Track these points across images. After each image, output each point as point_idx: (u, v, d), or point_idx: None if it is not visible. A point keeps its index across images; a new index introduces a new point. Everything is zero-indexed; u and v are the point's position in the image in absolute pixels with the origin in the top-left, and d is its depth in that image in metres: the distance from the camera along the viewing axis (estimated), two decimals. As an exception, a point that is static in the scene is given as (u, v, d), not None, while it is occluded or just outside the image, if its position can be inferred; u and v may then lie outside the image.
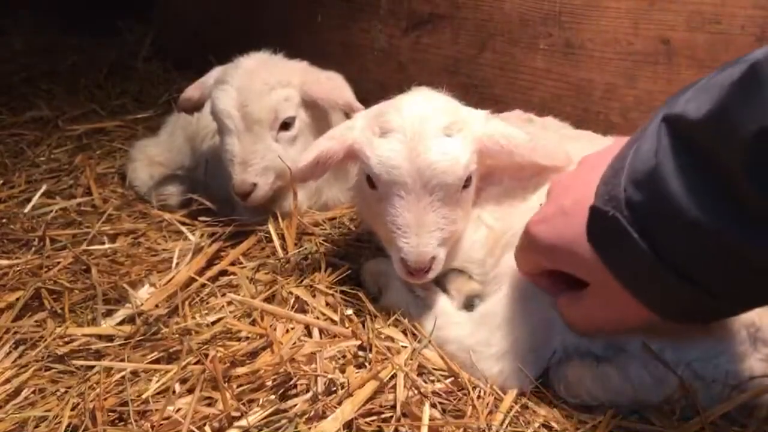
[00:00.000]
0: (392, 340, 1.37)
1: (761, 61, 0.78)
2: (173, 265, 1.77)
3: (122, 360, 1.37)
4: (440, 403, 1.20)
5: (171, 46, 4.08)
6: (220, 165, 1.96)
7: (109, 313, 1.57)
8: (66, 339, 1.48)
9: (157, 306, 1.57)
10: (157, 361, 1.37)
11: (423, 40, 2.47)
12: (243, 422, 1.14)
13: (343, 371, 1.26)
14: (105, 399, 1.25)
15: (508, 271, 1.32)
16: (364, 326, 1.40)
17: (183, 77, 3.52)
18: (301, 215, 1.92)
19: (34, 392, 1.35)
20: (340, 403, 1.17)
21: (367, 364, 1.29)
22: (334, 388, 1.21)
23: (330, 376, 1.21)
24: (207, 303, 1.59)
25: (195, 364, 1.31)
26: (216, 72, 2.03)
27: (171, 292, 1.62)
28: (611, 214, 0.93)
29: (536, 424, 1.15)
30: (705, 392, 1.12)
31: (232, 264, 1.79)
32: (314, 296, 1.53)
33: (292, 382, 1.24)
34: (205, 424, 1.15)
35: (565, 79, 2.04)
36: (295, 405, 1.18)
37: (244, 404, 1.19)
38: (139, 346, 1.43)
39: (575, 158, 1.38)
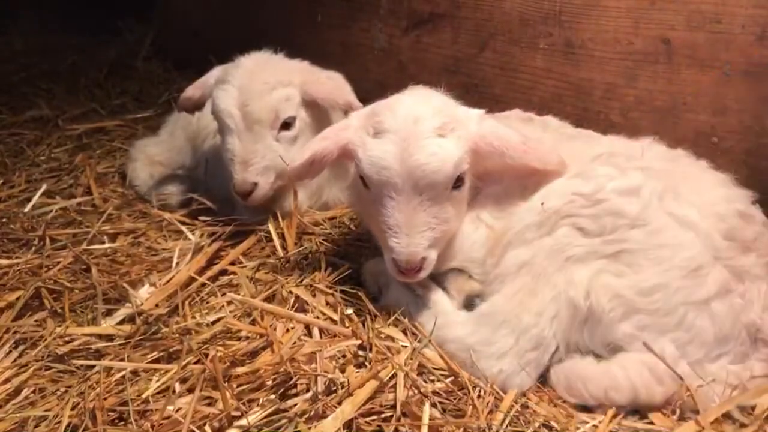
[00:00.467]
0: (392, 339, 1.36)
1: None
2: (173, 264, 1.76)
3: (122, 360, 1.37)
4: (440, 402, 1.20)
5: (171, 46, 4.08)
6: (221, 164, 1.96)
7: (109, 313, 1.57)
8: (66, 338, 1.48)
9: (157, 305, 1.57)
10: (157, 361, 1.37)
11: (423, 39, 2.47)
12: (243, 422, 1.14)
13: (343, 371, 1.26)
14: (105, 398, 1.25)
15: (508, 271, 1.32)
16: (364, 326, 1.40)
17: (183, 77, 3.52)
18: (301, 215, 1.92)
19: (34, 392, 1.34)
20: (340, 403, 1.17)
21: (367, 363, 1.29)
22: (334, 388, 1.21)
23: (330, 375, 1.21)
24: (207, 302, 1.59)
25: (195, 363, 1.31)
26: (217, 71, 2.03)
27: (171, 292, 1.62)
28: None
29: (536, 424, 1.15)
30: (705, 392, 1.12)
31: (232, 263, 1.79)
32: (314, 296, 1.53)
33: (292, 382, 1.24)
34: (205, 424, 1.15)
35: (565, 78, 2.04)
36: (295, 404, 1.18)
37: (244, 404, 1.19)
38: (139, 345, 1.42)
39: (575, 158, 1.39)
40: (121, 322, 1.53)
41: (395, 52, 2.59)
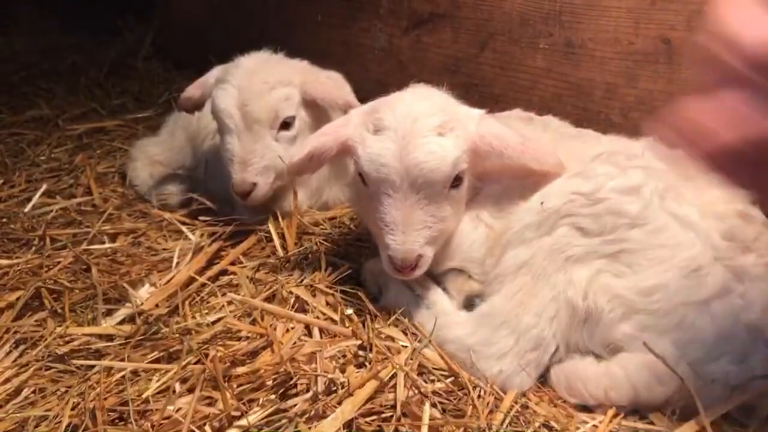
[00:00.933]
0: (392, 339, 1.36)
1: None
2: (173, 264, 1.77)
3: (122, 359, 1.37)
4: (440, 402, 1.20)
5: (171, 46, 4.08)
6: (221, 164, 1.96)
7: (109, 313, 1.57)
8: (66, 338, 1.48)
9: (157, 305, 1.57)
10: (157, 361, 1.37)
11: (423, 39, 2.47)
12: (243, 422, 1.14)
13: (343, 371, 1.26)
14: (105, 398, 1.25)
15: (508, 271, 1.32)
16: (364, 326, 1.40)
17: (183, 77, 3.52)
18: (301, 215, 1.92)
19: (34, 392, 1.35)
20: (340, 403, 1.17)
21: (367, 363, 1.29)
22: (334, 388, 1.21)
23: (330, 375, 1.21)
24: (207, 302, 1.59)
25: (195, 363, 1.31)
26: (216, 71, 2.03)
27: (171, 292, 1.62)
28: None
29: (536, 424, 1.15)
30: (705, 392, 1.12)
31: (233, 263, 1.79)
32: (314, 296, 1.53)
33: (292, 382, 1.24)
34: (205, 424, 1.15)
35: (566, 78, 2.04)
36: (296, 404, 1.18)
37: (244, 404, 1.19)
38: (140, 345, 1.42)
39: (575, 158, 1.39)
40: (122, 322, 1.53)
41: (395, 52, 2.59)
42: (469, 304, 1.42)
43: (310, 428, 1.13)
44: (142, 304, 1.57)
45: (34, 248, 1.90)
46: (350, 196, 1.71)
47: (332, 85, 1.96)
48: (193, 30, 3.88)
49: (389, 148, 1.33)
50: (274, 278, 1.64)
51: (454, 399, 1.21)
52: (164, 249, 1.90)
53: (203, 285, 1.66)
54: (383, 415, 1.18)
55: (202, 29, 3.80)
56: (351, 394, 1.19)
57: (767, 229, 1.29)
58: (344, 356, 1.31)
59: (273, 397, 1.21)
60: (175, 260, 1.78)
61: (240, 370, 1.27)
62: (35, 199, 2.19)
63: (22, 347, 1.48)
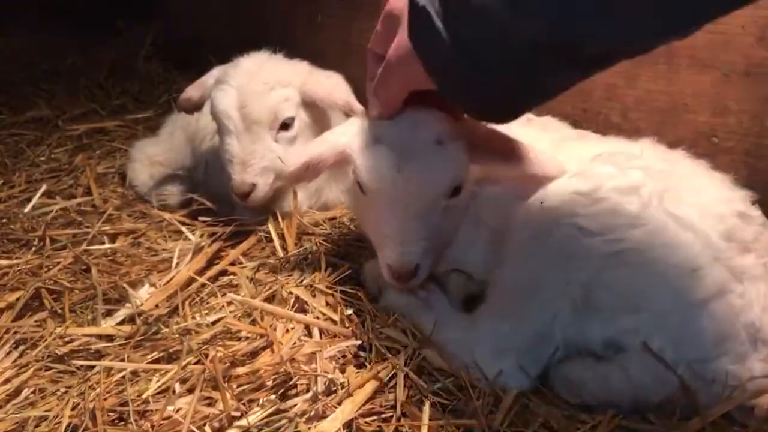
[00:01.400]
0: (392, 339, 1.36)
1: None
2: (173, 265, 1.77)
3: (122, 360, 1.37)
4: (440, 402, 1.20)
5: (171, 46, 4.08)
6: (220, 165, 1.96)
7: (109, 313, 1.57)
8: (66, 339, 1.48)
9: (157, 306, 1.57)
10: (157, 361, 1.37)
11: (423, 40, 2.47)
12: (243, 422, 1.14)
13: (343, 371, 1.26)
14: (105, 399, 1.25)
15: (507, 271, 1.32)
16: (364, 326, 1.40)
17: (183, 77, 3.52)
18: (301, 215, 1.92)
19: (34, 392, 1.35)
20: (340, 403, 1.17)
21: (367, 363, 1.29)
22: (334, 388, 1.21)
23: (330, 376, 1.21)
24: (207, 303, 1.59)
25: (195, 364, 1.31)
26: (216, 72, 2.03)
27: (171, 292, 1.62)
28: (421, 4, 1.01)
29: (536, 424, 1.15)
30: (705, 392, 1.12)
31: (232, 264, 1.79)
32: (314, 296, 1.53)
33: (292, 382, 1.24)
34: (205, 424, 1.15)
35: (565, 79, 2.04)
36: (295, 405, 1.18)
37: (244, 404, 1.19)
38: (139, 346, 1.43)
39: (575, 158, 1.39)
40: (121, 323, 1.54)
41: (395, 53, 2.58)
42: (468, 304, 1.42)
43: (309, 428, 1.13)
44: (141, 304, 1.57)
45: (33, 249, 1.90)
46: (349, 204, 1.71)
47: (332, 85, 1.96)
48: (193, 30, 3.88)
49: (387, 158, 1.32)
50: (274, 278, 1.64)
51: (454, 399, 1.21)
52: (164, 249, 1.90)
53: (203, 285, 1.67)
54: (383, 416, 1.18)
55: (202, 29, 3.80)
56: (351, 395, 1.19)
57: (766, 229, 1.29)
58: (344, 356, 1.31)
59: (273, 397, 1.21)
60: (174, 260, 1.78)
61: (240, 370, 1.28)
62: (35, 200, 2.19)
63: (21, 348, 1.48)
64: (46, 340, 1.48)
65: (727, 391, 1.12)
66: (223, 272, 1.76)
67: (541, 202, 1.31)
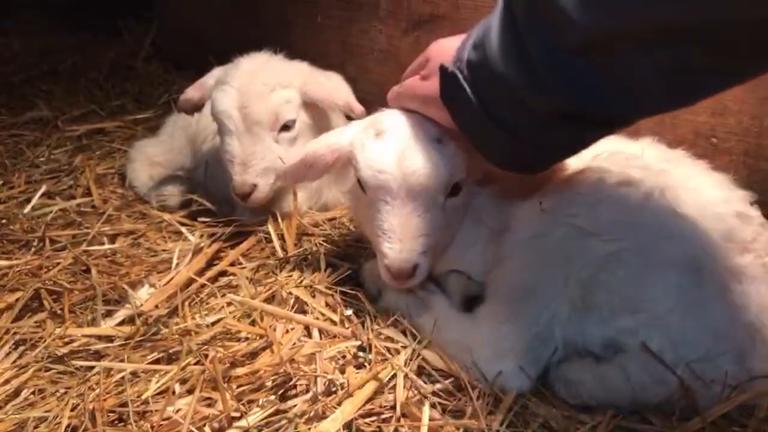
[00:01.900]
0: (392, 340, 1.37)
1: None
2: (173, 265, 1.77)
3: (122, 360, 1.37)
4: (440, 403, 1.20)
5: (171, 46, 4.08)
6: (220, 166, 1.96)
7: (108, 314, 1.57)
8: (66, 339, 1.48)
9: (156, 306, 1.57)
10: (156, 362, 1.37)
11: (423, 40, 2.47)
12: (243, 422, 1.15)
13: (342, 371, 1.26)
14: (105, 399, 1.26)
15: (507, 271, 1.32)
16: (363, 326, 1.40)
17: (183, 77, 3.52)
18: (300, 216, 1.92)
19: (33, 393, 1.35)
20: (339, 404, 1.17)
21: (366, 364, 1.29)
22: (334, 389, 1.21)
23: (330, 376, 1.21)
24: (207, 303, 1.59)
25: (195, 364, 1.31)
26: (216, 72, 2.03)
27: (171, 293, 1.62)
28: (450, 71, 1.13)
29: (536, 424, 1.15)
30: (705, 392, 1.12)
31: (232, 264, 1.79)
32: (314, 296, 1.53)
33: (292, 383, 1.24)
34: (205, 425, 1.15)
35: (565, 79, 2.04)
36: (295, 405, 1.18)
37: (244, 404, 1.19)
38: (139, 346, 1.43)
39: (574, 158, 1.38)
40: (121, 323, 1.54)
41: (395, 53, 2.59)
42: (468, 305, 1.42)
43: (309, 429, 1.13)
44: (141, 305, 1.57)
45: (33, 249, 1.90)
46: (349, 204, 1.71)
47: (332, 86, 1.96)
48: (193, 31, 3.88)
49: (388, 154, 1.32)
50: (274, 279, 1.64)
51: (454, 399, 1.21)
52: (164, 250, 1.90)
53: (203, 286, 1.67)
54: (383, 416, 1.18)
55: (202, 30, 3.80)
56: (351, 395, 1.19)
57: (765, 229, 1.29)
58: (344, 357, 1.31)
59: (273, 397, 1.21)
60: (174, 261, 1.78)
61: (239, 370, 1.28)
62: (35, 200, 2.19)
63: (21, 348, 1.48)
64: (45, 340, 1.48)
65: (726, 391, 1.12)
66: (223, 273, 1.76)
67: (541, 202, 1.31)
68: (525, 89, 1.03)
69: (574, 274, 1.22)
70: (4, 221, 2.08)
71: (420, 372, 1.27)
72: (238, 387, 1.24)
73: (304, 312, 1.47)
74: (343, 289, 1.55)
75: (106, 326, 1.52)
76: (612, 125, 1.09)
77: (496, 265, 1.37)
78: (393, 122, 1.36)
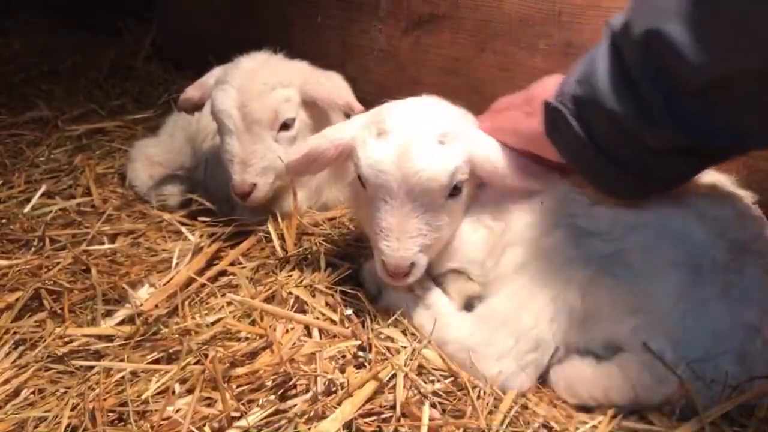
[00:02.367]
0: (392, 340, 1.37)
1: None
2: (173, 265, 1.77)
3: (122, 360, 1.37)
4: (440, 403, 1.20)
5: (171, 46, 4.08)
6: (220, 165, 1.96)
7: (108, 314, 1.57)
8: (66, 339, 1.48)
9: (156, 306, 1.57)
10: (156, 362, 1.37)
11: (423, 40, 2.47)
12: (243, 422, 1.14)
13: (342, 371, 1.26)
14: (105, 399, 1.25)
15: (507, 272, 1.32)
16: (363, 326, 1.40)
17: (183, 77, 3.52)
18: (300, 215, 1.92)
19: (33, 392, 1.35)
20: (339, 403, 1.17)
21: (366, 364, 1.29)
22: (334, 388, 1.21)
23: (330, 376, 1.21)
24: (207, 303, 1.59)
25: (195, 364, 1.31)
26: (216, 72, 2.03)
27: (171, 293, 1.62)
28: (553, 105, 1.15)
29: (536, 424, 1.15)
30: (705, 392, 1.12)
31: (232, 264, 1.79)
32: (314, 296, 1.53)
33: (291, 383, 1.24)
34: (205, 425, 1.15)
35: (565, 79, 2.04)
36: (295, 405, 1.18)
37: (243, 404, 1.19)
38: (139, 346, 1.43)
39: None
40: (121, 323, 1.54)
41: (394, 53, 2.58)
42: (468, 305, 1.42)
43: (309, 429, 1.13)
44: (141, 304, 1.57)
45: (33, 249, 1.90)
46: (348, 198, 1.71)
47: (332, 85, 1.96)
48: (192, 30, 3.88)
49: (389, 153, 1.32)
50: (274, 279, 1.64)
51: (454, 399, 1.21)
52: (164, 250, 1.90)
53: (203, 285, 1.66)
54: (383, 416, 1.18)
55: (202, 30, 3.80)
56: (350, 395, 1.19)
57: (765, 229, 1.29)
58: (344, 357, 1.31)
59: (272, 397, 1.21)
60: (174, 261, 1.78)
61: (239, 370, 1.28)
62: (34, 200, 2.19)
63: (21, 348, 1.48)
64: (45, 340, 1.48)
65: (726, 391, 1.12)
66: (223, 272, 1.75)
67: (541, 202, 1.31)
68: (638, 126, 1.04)
69: (575, 275, 1.22)
70: (4, 221, 2.08)
71: (420, 372, 1.27)
72: (238, 387, 1.24)
73: (304, 312, 1.47)
74: (343, 289, 1.55)
75: (106, 326, 1.52)
76: (727, 156, 1.12)
77: (497, 266, 1.37)
78: (395, 121, 1.36)
